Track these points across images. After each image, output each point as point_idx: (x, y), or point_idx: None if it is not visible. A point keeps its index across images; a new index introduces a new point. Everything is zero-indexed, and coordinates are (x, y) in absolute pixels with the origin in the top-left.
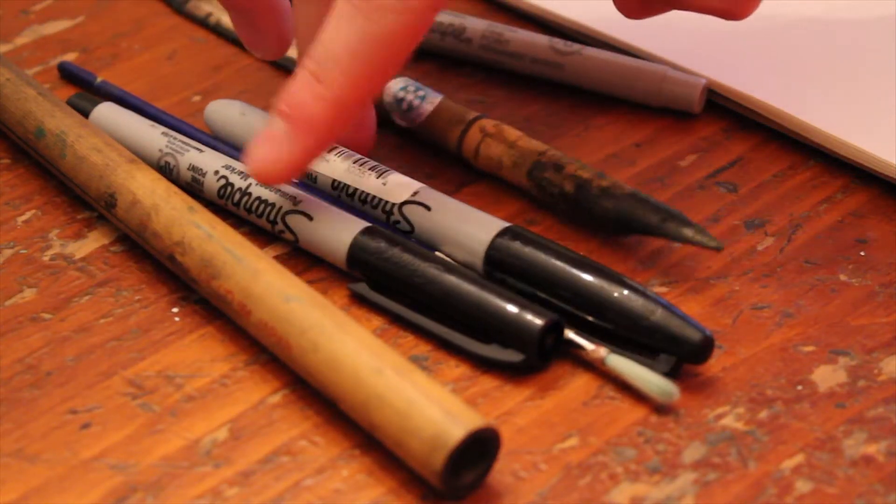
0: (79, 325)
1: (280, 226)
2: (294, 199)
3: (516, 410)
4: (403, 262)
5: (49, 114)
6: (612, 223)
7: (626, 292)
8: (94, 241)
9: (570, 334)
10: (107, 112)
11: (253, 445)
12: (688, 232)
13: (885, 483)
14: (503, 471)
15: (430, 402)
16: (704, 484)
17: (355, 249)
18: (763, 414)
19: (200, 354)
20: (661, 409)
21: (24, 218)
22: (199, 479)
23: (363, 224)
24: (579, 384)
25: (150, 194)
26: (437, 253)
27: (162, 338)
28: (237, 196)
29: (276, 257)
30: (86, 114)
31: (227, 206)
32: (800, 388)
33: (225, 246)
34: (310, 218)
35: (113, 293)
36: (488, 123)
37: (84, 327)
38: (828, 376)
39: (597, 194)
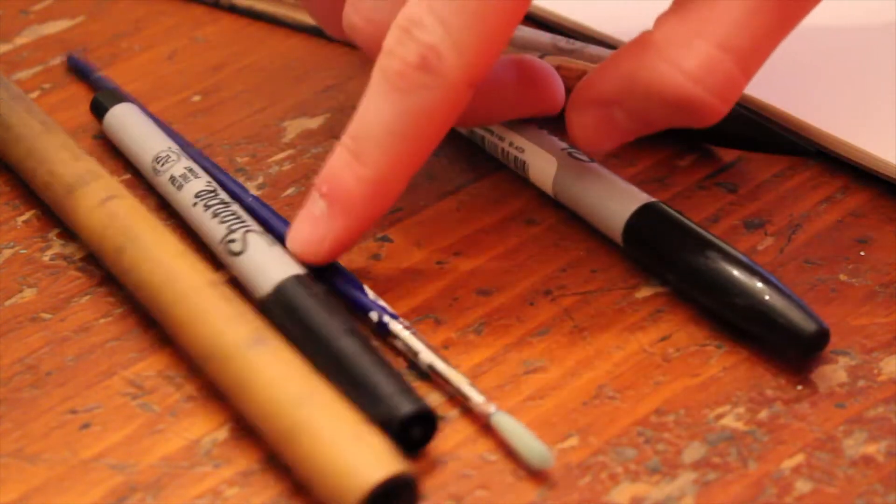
0: (79, 325)
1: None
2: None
3: (516, 410)
4: (311, 315)
5: (6, 143)
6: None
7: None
8: None
9: (465, 388)
10: (121, 114)
11: (253, 445)
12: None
13: (885, 483)
14: (503, 471)
15: (320, 477)
16: (704, 484)
17: (280, 291)
18: (763, 414)
19: None
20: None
21: (24, 218)
22: (199, 479)
23: (297, 269)
24: (579, 384)
25: (89, 237)
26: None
27: (162, 337)
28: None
29: None
30: (103, 113)
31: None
32: (799, 388)
33: (141, 307)
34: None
35: (113, 293)
36: None
37: (84, 327)
38: (828, 376)
39: None
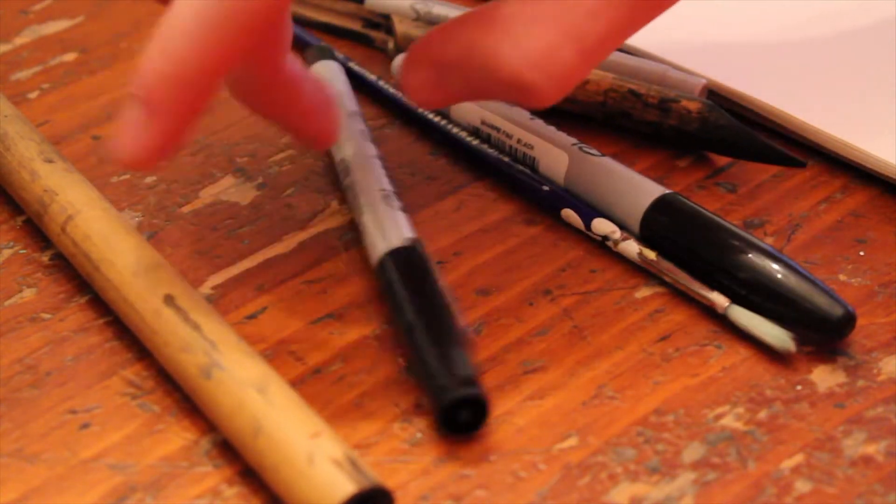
0: (78, 325)
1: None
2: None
3: (516, 410)
4: (401, 289)
5: None
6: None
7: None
8: None
9: (688, 283)
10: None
11: None
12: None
13: (884, 483)
14: (503, 471)
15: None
16: (704, 484)
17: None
18: (762, 414)
19: None
20: (660, 413)
21: (24, 218)
22: (199, 479)
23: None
24: (579, 384)
25: (70, 261)
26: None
27: None
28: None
29: (271, 258)
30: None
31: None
32: (799, 388)
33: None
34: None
35: None
36: None
37: (84, 327)
38: (827, 376)
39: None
